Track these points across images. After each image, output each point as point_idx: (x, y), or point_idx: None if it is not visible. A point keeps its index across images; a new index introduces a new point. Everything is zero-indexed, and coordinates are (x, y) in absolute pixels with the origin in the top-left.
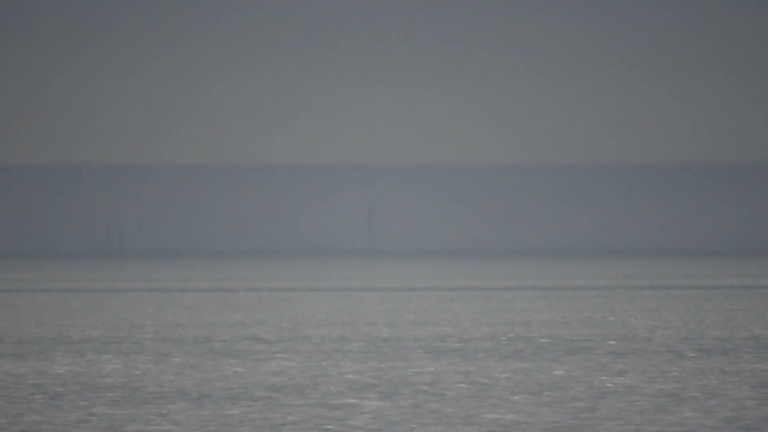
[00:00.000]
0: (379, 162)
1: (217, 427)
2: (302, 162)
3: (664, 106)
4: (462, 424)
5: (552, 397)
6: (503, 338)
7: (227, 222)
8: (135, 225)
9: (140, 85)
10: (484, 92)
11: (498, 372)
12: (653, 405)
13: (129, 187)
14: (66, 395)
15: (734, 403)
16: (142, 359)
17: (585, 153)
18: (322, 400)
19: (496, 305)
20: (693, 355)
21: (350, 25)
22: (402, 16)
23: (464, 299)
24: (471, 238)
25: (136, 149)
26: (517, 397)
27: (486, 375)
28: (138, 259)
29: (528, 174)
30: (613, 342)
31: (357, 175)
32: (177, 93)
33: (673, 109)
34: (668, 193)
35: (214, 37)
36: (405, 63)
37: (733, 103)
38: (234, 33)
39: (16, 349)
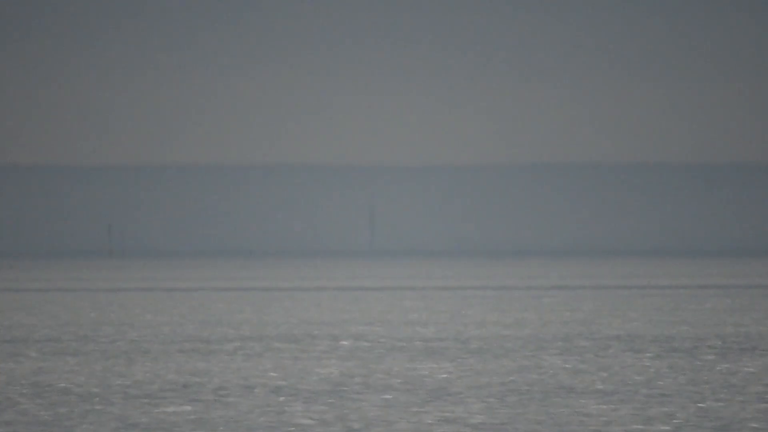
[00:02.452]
0: (380, 163)
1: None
2: (304, 162)
3: (664, 107)
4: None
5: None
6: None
7: (228, 221)
8: (136, 224)
9: (141, 87)
10: (485, 94)
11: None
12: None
13: (130, 186)
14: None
15: None
16: (146, 358)
17: (587, 153)
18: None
19: (493, 305)
20: None
21: (353, 28)
22: (404, 18)
23: (468, 298)
24: (472, 238)
25: (137, 150)
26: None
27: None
28: (139, 258)
29: (529, 174)
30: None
31: (358, 175)
32: (178, 94)
33: (673, 109)
34: (672, 192)
35: (218, 39)
36: (406, 65)
37: (732, 105)
38: (237, 35)
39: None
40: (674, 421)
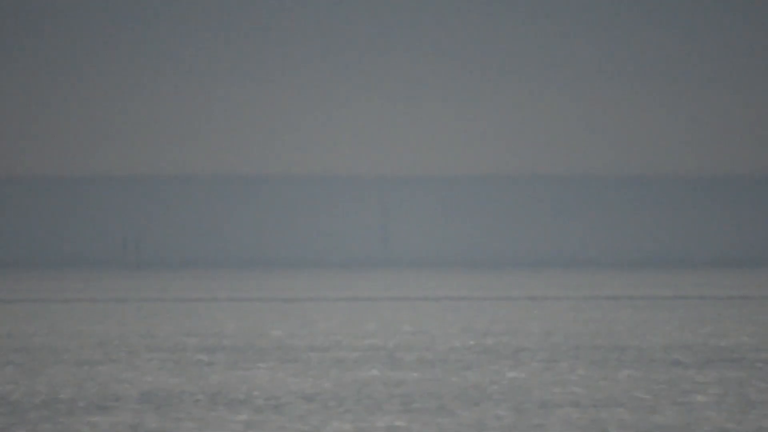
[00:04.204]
0: (393, 172)
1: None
2: (317, 172)
3: (665, 118)
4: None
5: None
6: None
7: (242, 232)
8: (151, 236)
9: (157, 97)
10: (501, 103)
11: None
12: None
13: (145, 198)
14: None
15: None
16: (163, 366)
17: (608, 165)
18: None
19: (497, 315)
20: None
21: (365, 37)
22: (417, 26)
23: (475, 309)
24: (487, 248)
25: (152, 160)
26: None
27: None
28: (154, 269)
29: (542, 184)
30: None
31: (371, 185)
32: (193, 104)
33: (673, 121)
34: (671, 204)
35: (232, 48)
36: (420, 74)
37: (733, 116)
38: (249, 44)
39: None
40: None
